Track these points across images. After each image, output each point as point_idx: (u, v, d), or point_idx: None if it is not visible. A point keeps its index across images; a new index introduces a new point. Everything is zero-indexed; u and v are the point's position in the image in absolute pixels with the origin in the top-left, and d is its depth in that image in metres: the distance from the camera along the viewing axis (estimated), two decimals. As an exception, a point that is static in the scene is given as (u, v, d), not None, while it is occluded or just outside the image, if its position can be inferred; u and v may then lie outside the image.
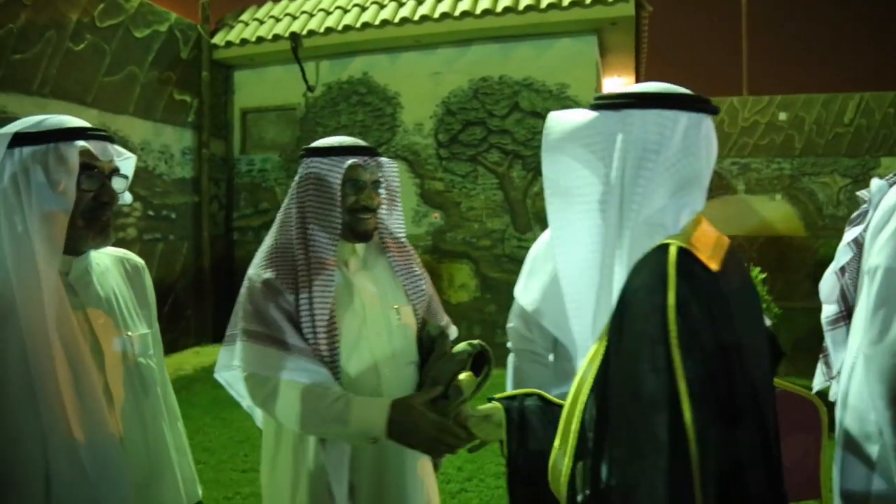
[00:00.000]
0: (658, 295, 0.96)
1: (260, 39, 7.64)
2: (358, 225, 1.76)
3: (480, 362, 1.69)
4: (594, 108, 1.15)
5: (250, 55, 7.84)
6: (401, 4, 7.20)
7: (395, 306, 1.81)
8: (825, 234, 9.79)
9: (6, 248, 1.28)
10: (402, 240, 1.93)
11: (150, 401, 1.50)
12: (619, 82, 9.34)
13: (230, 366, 1.75)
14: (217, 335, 7.36)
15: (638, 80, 9.62)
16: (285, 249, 1.75)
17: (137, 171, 6.00)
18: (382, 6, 7.26)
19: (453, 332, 1.95)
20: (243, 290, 1.76)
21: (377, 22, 7.07)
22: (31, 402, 1.25)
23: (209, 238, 7.68)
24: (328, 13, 7.54)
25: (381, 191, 1.85)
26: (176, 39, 7.41)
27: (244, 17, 8.14)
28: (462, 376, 1.62)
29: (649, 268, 1.01)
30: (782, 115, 10.39)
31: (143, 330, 1.54)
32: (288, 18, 7.72)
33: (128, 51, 6.71)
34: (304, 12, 7.70)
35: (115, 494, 1.30)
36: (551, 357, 2.04)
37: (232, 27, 8.01)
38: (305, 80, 7.56)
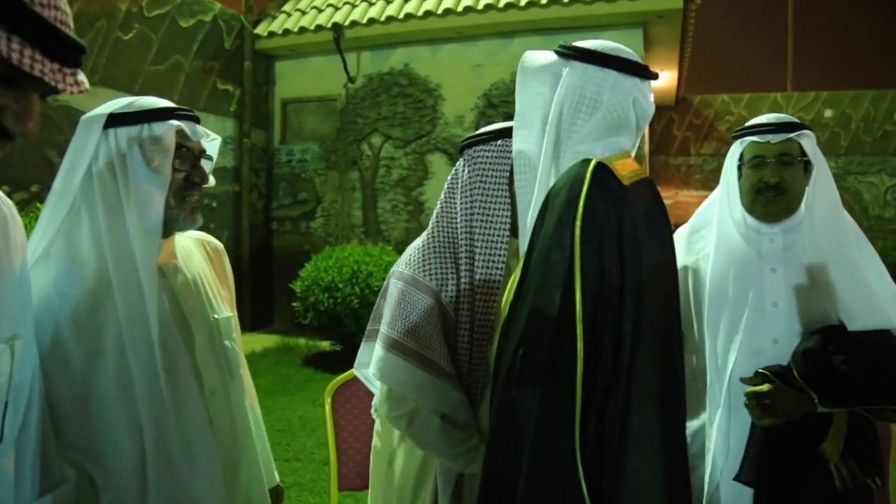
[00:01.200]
0: (574, 191, 1.15)
1: (302, 30, 7.66)
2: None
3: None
4: (556, 53, 1.34)
5: (292, 46, 7.87)
6: (444, -4, 7.17)
7: None
8: (871, 235, 9.51)
9: (103, 231, 1.27)
10: None
11: (235, 384, 1.50)
12: (662, 77, 9.18)
13: (368, 367, 1.69)
14: (255, 323, 7.44)
15: (681, 75, 9.46)
16: (445, 249, 1.64)
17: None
18: (425, -3, 7.25)
19: None
20: (393, 289, 1.66)
21: (420, 13, 7.05)
22: (127, 388, 1.25)
23: (248, 227, 7.74)
24: (371, 4, 7.53)
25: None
26: (220, 29, 7.47)
27: (286, 7, 8.16)
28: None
29: (570, 173, 1.20)
30: (828, 113, 10.16)
31: (227, 313, 1.53)
32: (330, 9, 7.72)
33: (173, 40, 6.78)
34: (346, 3, 7.70)
35: (206, 478, 1.30)
36: None
37: (274, 17, 8.04)
38: (346, 71, 7.57)
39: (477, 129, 7.01)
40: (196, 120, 1.42)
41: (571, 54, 1.30)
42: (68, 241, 1.29)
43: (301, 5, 8.05)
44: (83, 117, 1.33)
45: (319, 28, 7.53)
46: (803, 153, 1.71)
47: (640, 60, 1.33)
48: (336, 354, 6.38)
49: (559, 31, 6.84)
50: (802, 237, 1.70)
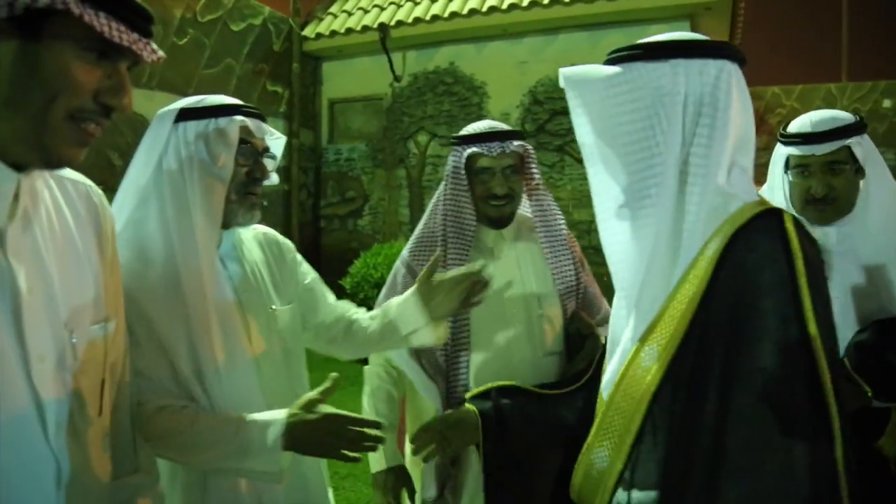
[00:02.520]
0: (784, 266, 0.89)
1: (349, 31, 7.77)
2: (491, 211, 1.80)
3: None
4: (623, 59, 1.04)
5: (339, 46, 7.99)
6: (488, -7, 7.20)
7: (537, 294, 1.82)
8: (932, 228, 9.23)
9: (170, 220, 1.35)
10: (553, 228, 1.94)
11: (291, 375, 1.56)
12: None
13: None
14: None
15: (730, 67, 9.27)
16: (427, 237, 1.87)
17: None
18: (470, -5, 7.28)
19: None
20: (394, 268, 1.95)
21: (465, 11, 7.08)
22: (198, 379, 1.33)
23: (297, 225, 7.92)
24: (416, 3, 7.60)
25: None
26: (269, 32, 7.64)
27: (333, 8, 8.29)
28: None
29: (766, 237, 0.93)
30: (887, 103, 9.83)
31: (285, 305, 1.59)
32: (376, 10, 7.82)
33: (225, 44, 6.97)
34: (391, 3, 7.78)
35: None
36: None
37: (321, 19, 8.18)
38: (392, 71, 7.66)
39: (522, 126, 7.08)
40: (261, 118, 1.49)
41: (669, 52, 1.01)
42: (138, 229, 1.37)
43: (347, 6, 8.17)
44: (158, 112, 1.42)
45: (366, 28, 7.63)
46: (854, 158, 1.64)
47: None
48: (384, 350, 6.46)
49: (604, 27, 6.82)
50: (856, 230, 1.67)
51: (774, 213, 0.95)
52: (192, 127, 1.39)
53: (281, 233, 1.76)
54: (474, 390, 1.47)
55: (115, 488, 1.13)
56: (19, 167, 0.89)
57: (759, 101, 10.79)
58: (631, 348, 1.01)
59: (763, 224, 0.94)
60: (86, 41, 0.85)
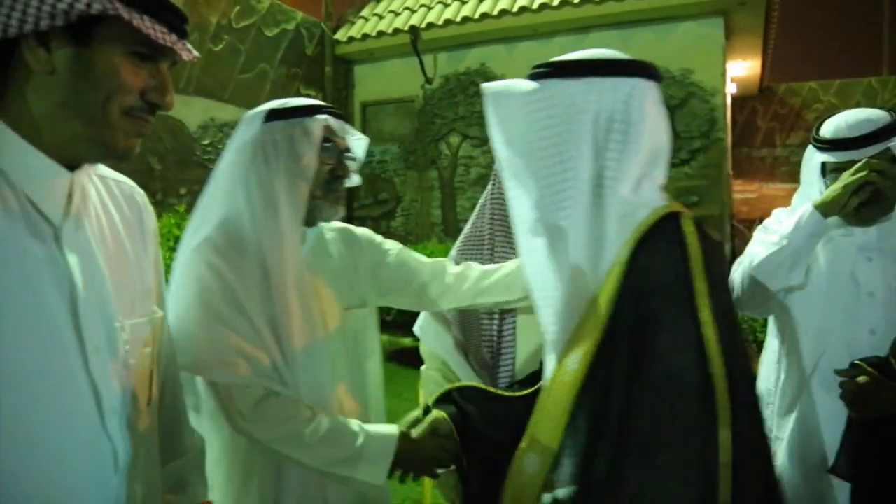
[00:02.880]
0: (680, 265, 0.94)
1: (380, 34, 7.86)
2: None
3: None
4: (541, 76, 1.06)
5: (370, 50, 8.08)
6: (519, -6, 7.21)
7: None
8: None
9: (258, 215, 1.43)
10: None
11: (362, 373, 1.61)
12: (744, 66, 8.93)
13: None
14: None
15: (765, 63, 9.15)
16: (474, 238, 1.92)
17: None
18: (500, -4, 7.30)
19: None
20: None
21: (495, 12, 7.11)
22: (286, 367, 1.41)
23: (331, 227, 8.03)
24: (446, 5, 7.65)
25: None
26: (302, 37, 7.76)
27: (364, 12, 8.38)
28: None
29: (664, 240, 0.97)
30: (929, 96, 9.60)
31: (357, 306, 1.64)
32: (407, 12, 7.89)
33: (259, 49, 7.11)
34: (422, 5, 7.85)
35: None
36: None
37: (353, 23, 8.27)
38: (424, 73, 7.71)
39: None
40: (344, 118, 1.55)
41: (582, 70, 1.05)
42: (228, 226, 1.44)
43: (378, 10, 8.25)
44: (245, 115, 1.51)
45: (397, 31, 7.71)
46: (894, 158, 1.60)
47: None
48: (417, 350, 6.51)
49: (635, 25, 6.79)
50: None
51: (673, 216, 0.99)
52: (279, 126, 1.46)
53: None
54: (436, 393, 1.43)
55: (164, 473, 1.19)
56: (71, 167, 0.95)
57: (796, 98, 10.62)
58: (559, 355, 1.04)
59: (663, 227, 0.98)
60: (132, 44, 0.90)
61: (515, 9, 6.99)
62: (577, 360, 0.97)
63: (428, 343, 1.98)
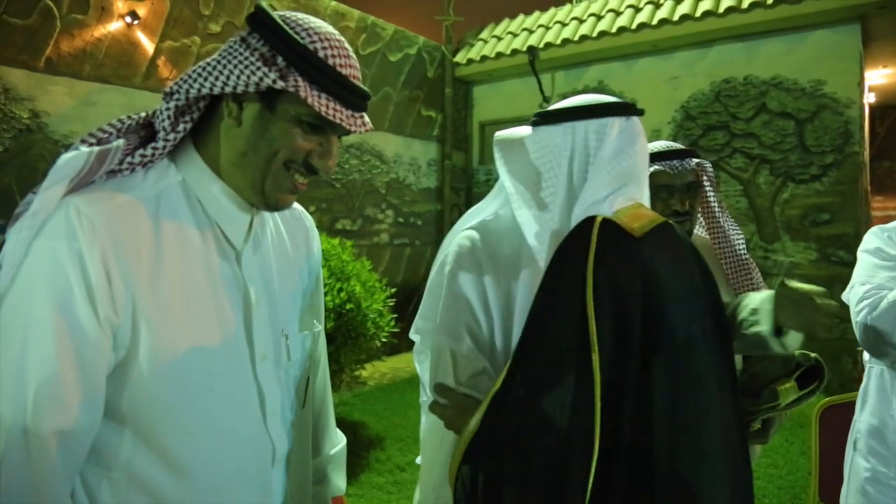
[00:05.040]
0: (579, 255, 1.08)
1: (498, 55, 8.02)
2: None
3: (811, 377, 1.54)
4: (535, 124, 1.30)
5: (489, 70, 8.25)
6: (638, 10, 7.13)
7: None
8: None
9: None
10: (737, 249, 1.94)
11: None
12: (884, 73, 8.35)
13: None
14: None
15: (910, 71, 8.49)
16: None
17: (390, 181, 6.60)
18: (619, 14, 7.25)
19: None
20: None
21: (614, 30, 7.08)
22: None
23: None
24: (564, 25, 7.70)
25: None
26: (423, 60, 8.06)
27: (483, 34, 8.58)
28: (784, 385, 1.50)
29: (573, 234, 1.14)
30: None
31: None
32: (525, 33, 8.01)
33: (384, 74, 7.45)
34: (540, 26, 7.95)
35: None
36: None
37: (472, 45, 8.50)
38: (542, 92, 7.79)
39: (675, 142, 6.90)
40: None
41: (562, 118, 1.26)
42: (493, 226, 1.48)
43: (497, 31, 8.43)
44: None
45: (515, 52, 7.84)
46: None
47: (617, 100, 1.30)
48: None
49: (761, 36, 6.54)
50: None
51: (589, 219, 1.15)
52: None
53: (434, 251, 1.98)
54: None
55: (314, 466, 1.35)
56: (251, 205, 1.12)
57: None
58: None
59: (579, 224, 1.15)
60: (308, 115, 1.03)
61: (634, 25, 6.93)
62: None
63: None
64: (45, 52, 4.65)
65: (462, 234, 1.42)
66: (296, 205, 1.29)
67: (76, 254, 0.93)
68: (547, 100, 7.84)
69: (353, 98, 1.04)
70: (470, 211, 1.53)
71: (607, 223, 1.12)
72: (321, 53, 1.01)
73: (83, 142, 1.00)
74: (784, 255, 6.34)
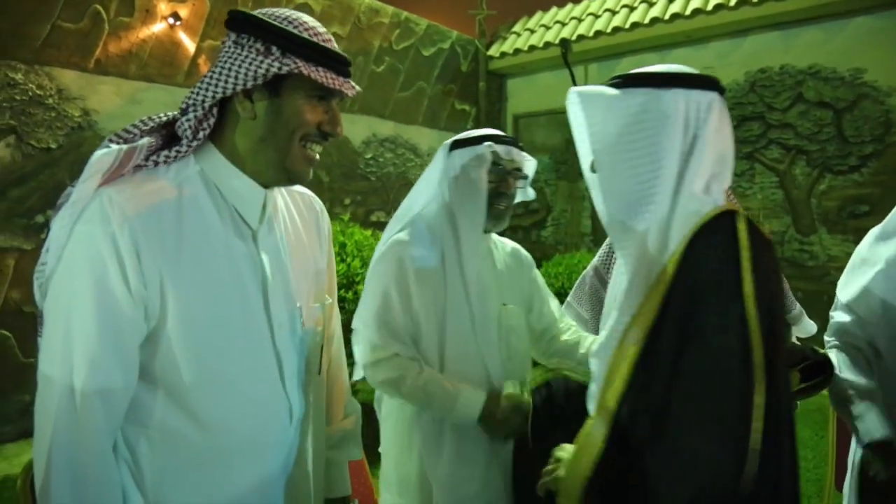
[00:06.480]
0: (730, 256, 1.03)
1: (531, 48, 8.05)
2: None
3: (816, 371, 1.61)
4: (627, 85, 1.19)
5: (522, 64, 8.29)
6: (671, 1, 7.09)
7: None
8: None
9: (444, 226, 1.82)
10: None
11: (514, 362, 1.89)
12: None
13: None
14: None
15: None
16: None
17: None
18: (651, 4, 7.21)
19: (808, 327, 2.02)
20: None
21: (647, 21, 7.05)
22: (440, 353, 1.80)
23: (483, 236, 8.31)
24: (597, 17, 7.69)
25: None
26: (457, 55, 8.13)
27: (516, 28, 8.61)
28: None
29: (720, 234, 1.07)
30: None
31: (515, 306, 1.93)
32: (557, 26, 8.02)
33: (417, 68, 7.55)
34: (573, 18, 7.95)
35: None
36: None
37: (505, 39, 8.54)
38: (575, 84, 7.78)
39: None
40: (513, 144, 1.87)
41: (670, 82, 1.17)
42: (419, 230, 1.82)
43: (530, 25, 8.45)
44: (443, 143, 1.89)
45: (548, 45, 7.86)
46: None
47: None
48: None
49: (798, 24, 6.42)
50: None
51: (729, 213, 1.10)
52: (458, 153, 1.83)
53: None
54: (537, 378, 1.65)
55: (329, 432, 1.46)
56: (266, 185, 1.24)
57: None
58: (620, 329, 1.15)
59: (718, 223, 1.09)
60: (310, 90, 1.18)
61: (667, 16, 6.90)
62: (636, 335, 1.10)
63: None
64: (94, 54, 4.86)
65: (394, 237, 1.80)
66: (306, 191, 1.44)
67: (110, 236, 1.04)
68: (580, 92, 7.84)
69: (341, 66, 1.19)
70: (398, 213, 1.87)
71: (751, 223, 1.09)
72: (306, 35, 1.15)
73: (111, 140, 1.13)
74: (821, 248, 6.27)
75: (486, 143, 1.80)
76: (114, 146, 1.10)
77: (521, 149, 1.90)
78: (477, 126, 8.33)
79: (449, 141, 1.88)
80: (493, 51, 8.44)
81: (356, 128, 6.81)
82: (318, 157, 1.24)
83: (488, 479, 1.75)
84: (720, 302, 1.03)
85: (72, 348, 1.04)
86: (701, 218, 1.11)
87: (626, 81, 1.20)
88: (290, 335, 1.27)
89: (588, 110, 1.21)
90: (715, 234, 1.08)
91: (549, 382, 1.66)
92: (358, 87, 1.23)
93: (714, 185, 1.17)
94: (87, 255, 1.05)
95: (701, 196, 1.15)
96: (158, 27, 5.23)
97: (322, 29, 1.20)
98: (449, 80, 8.04)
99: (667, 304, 1.08)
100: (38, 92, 4.55)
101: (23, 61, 4.49)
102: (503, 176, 1.83)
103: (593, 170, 1.30)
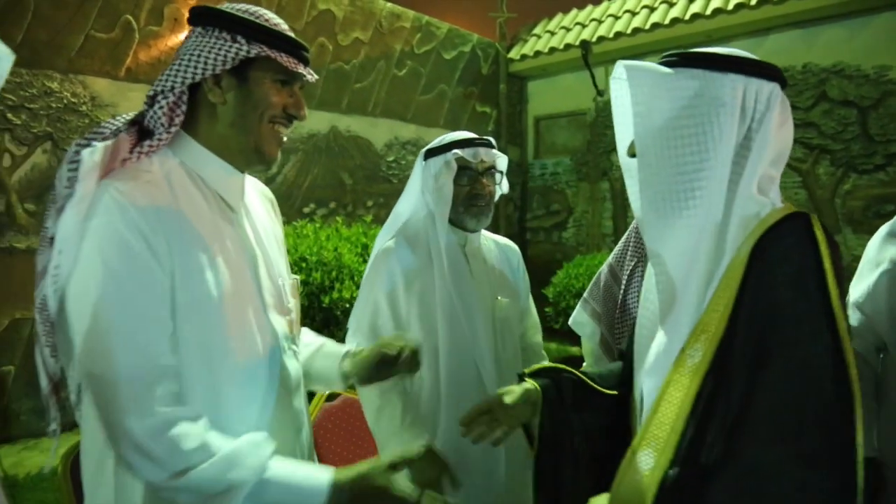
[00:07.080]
0: (812, 261, 0.95)
1: (552, 50, 8.08)
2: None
3: None
4: (680, 64, 1.07)
5: (543, 66, 8.33)
6: (691, 1, 7.08)
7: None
8: None
9: (426, 227, 1.93)
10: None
11: (507, 357, 1.96)
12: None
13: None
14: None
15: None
16: (626, 238, 2.56)
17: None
18: (672, 5, 7.20)
19: None
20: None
21: (667, 21, 7.05)
22: (433, 356, 1.87)
23: (506, 237, 8.33)
24: (617, 18, 7.70)
25: None
26: (477, 57, 8.20)
27: (537, 30, 8.65)
28: None
29: (793, 237, 0.98)
30: None
31: (507, 299, 2.01)
32: (578, 28, 8.04)
33: (438, 71, 7.64)
34: (593, 20, 7.97)
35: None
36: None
37: (526, 41, 8.58)
38: (595, 86, 7.82)
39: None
40: (484, 145, 1.94)
41: (728, 66, 1.05)
42: (406, 238, 1.93)
43: (550, 27, 8.48)
44: (421, 151, 1.99)
45: (568, 47, 7.89)
46: None
47: None
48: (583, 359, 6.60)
49: (821, 22, 6.36)
50: None
51: (801, 216, 1.02)
52: (430, 162, 1.94)
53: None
54: (532, 367, 1.46)
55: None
56: (241, 169, 1.32)
57: None
58: (676, 347, 1.04)
59: (791, 224, 1.01)
60: (276, 74, 1.26)
61: (688, 16, 6.89)
62: (700, 349, 0.99)
63: (582, 334, 2.25)
64: (125, 63, 5.01)
65: (383, 247, 1.90)
66: (261, 184, 1.53)
67: (131, 222, 1.09)
68: (601, 93, 7.88)
69: (301, 53, 1.27)
70: (387, 223, 1.99)
71: (824, 227, 1.00)
72: (267, 24, 1.23)
73: (79, 145, 1.15)
74: (845, 248, 6.23)
75: (452, 152, 1.88)
76: (97, 143, 1.13)
77: (490, 145, 1.95)
78: (498, 129, 8.40)
79: (423, 150, 1.97)
80: (514, 53, 8.49)
81: (378, 131, 6.91)
82: (285, 138, 1.33)
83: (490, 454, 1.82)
84: (808, 312, 0.94)
85: (124, 339, 1.06)
86: (763, 220, 1.03)
87: (682, 60, 1.07)
88: (277, 307, 1.36)
89: (635, 87, 1.07)
90: (787, 236, 1.00)
91: (548, 370, 1.47)
92: (315, 75, 1.31)
93: (768, 184, 1.07)
94: (114, 243, 1.07)
95: (758, 197, 1.05)
96: (185, 35, 5.36)
97: (281, 21, 1.27)
98: (470, 82, 8.11)
99: (735, 314, 0.98)
100: (72, 100, 4.72)
101: (58, 70, 4.65)
102: (475, 177, 1.90)
103: (632, 154, 1.15)
